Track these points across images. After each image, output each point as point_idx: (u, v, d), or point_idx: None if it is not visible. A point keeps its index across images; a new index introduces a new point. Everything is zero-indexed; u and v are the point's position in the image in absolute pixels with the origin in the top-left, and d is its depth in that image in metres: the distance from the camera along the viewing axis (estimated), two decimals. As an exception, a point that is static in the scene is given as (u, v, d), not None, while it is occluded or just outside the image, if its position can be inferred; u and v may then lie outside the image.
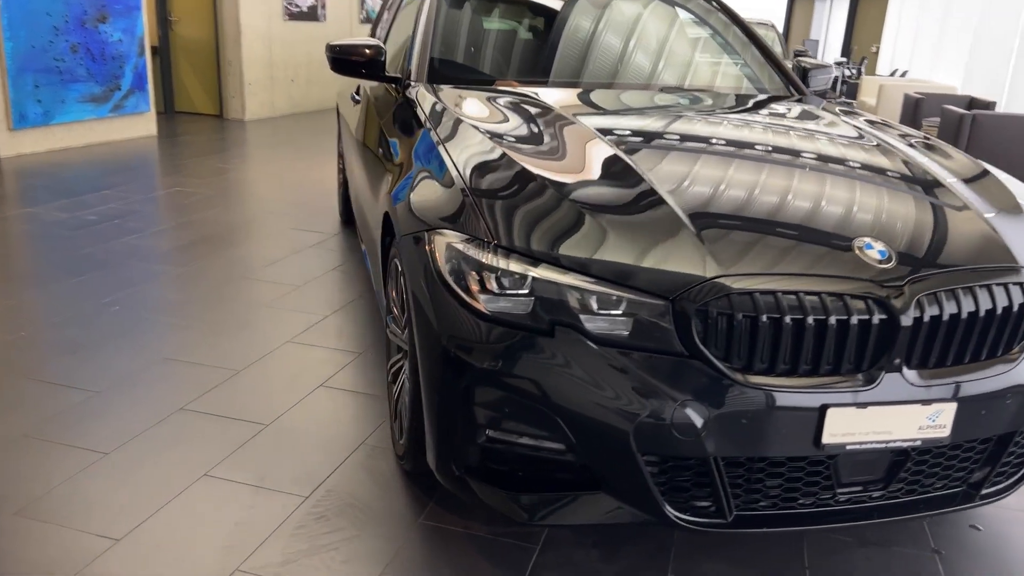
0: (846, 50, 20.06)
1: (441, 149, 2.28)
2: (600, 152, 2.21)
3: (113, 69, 7.58)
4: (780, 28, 23.92)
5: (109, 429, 2.55)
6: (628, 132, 2.41)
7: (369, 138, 3.20)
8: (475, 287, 1.84)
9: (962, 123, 6.79)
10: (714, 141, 2.38)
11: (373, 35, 4.84)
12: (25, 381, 2.84)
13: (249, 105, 9.65)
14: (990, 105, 8.35)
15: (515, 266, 1.80)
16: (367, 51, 2.98)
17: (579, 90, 2.98)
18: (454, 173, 2.11)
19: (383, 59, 3.00)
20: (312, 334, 3.37)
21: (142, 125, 8.07)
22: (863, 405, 1.73)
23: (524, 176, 2.06)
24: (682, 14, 3.58)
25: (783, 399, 1.71)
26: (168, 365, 3.02)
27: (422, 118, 2.58)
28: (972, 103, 8.78)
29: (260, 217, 5.22)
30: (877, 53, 17.86)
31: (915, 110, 8.73)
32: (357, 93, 3.77)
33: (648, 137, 2.39)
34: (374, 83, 3.50)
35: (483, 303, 1.82)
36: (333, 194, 5.91)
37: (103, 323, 3.38)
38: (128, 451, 2.43)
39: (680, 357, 1.72)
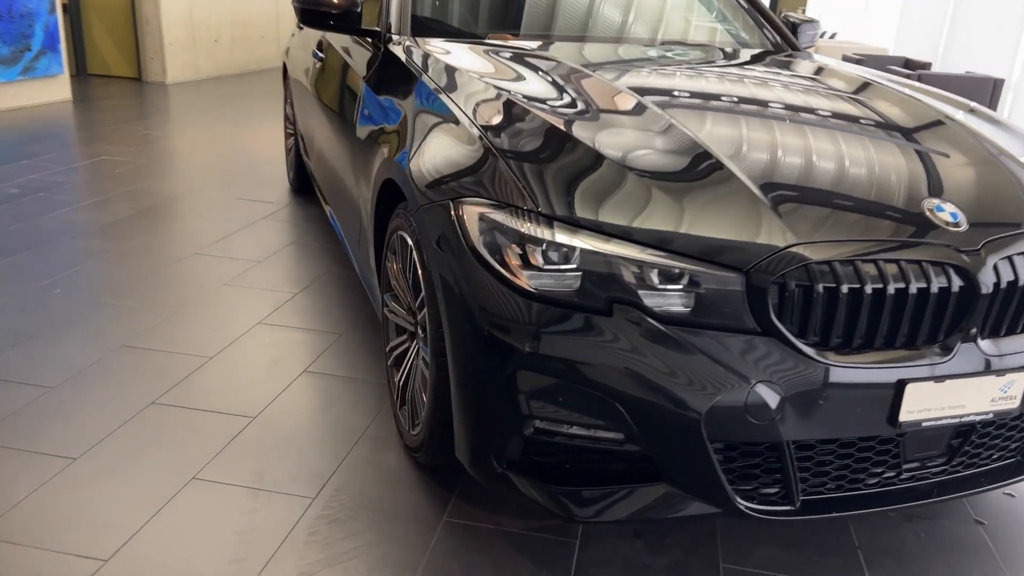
0: (772, 11, 20.28)
1: (452, 107, 2.05)
2: (634, 108, 2.02)
3: (22, 28, 6.92)
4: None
5: (72, 430, 2.26)
6: (654, 89, 2.23)
7: (343, 99, 2.92)
8: (515, 262, 1.64)
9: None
10: (745, 100, 2.22)
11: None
12: (-36, 378, 2.50)
13: (170, 67, 9.03)
14: (926, 66, 8.48)
15: (562, 236, 1.61)
16: (340, 2, 2.69)
17: (581, 45, 2.77)
18: (473, 133, 1.89)
19: (358, 10, 2.72)
20: (283, 314, 3.10)
21: (56, 89, 7.44)
22: (940, 379, 1.62)
23: (558, 135, 1.86)
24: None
25: (861, 376, 1.58)
26: (128, 354, 2.71)
27: (416, 75, 2.33)
28: (908, 63, 8.91)
29: (201, 187, 4.84)
30: (804, 13, 18.11)
31: (854, 70, 8.81)
32: (320, 50, 3.45)
33: (677, 96, 2.21)
34: (343, 38, 3.20)
35: (527, 280, 1.62)
36: (278, 161, 5.54)
37: (46, 309, 3.02)
38: (98, 455, 2.15)
39: (752, 334, 1.56)
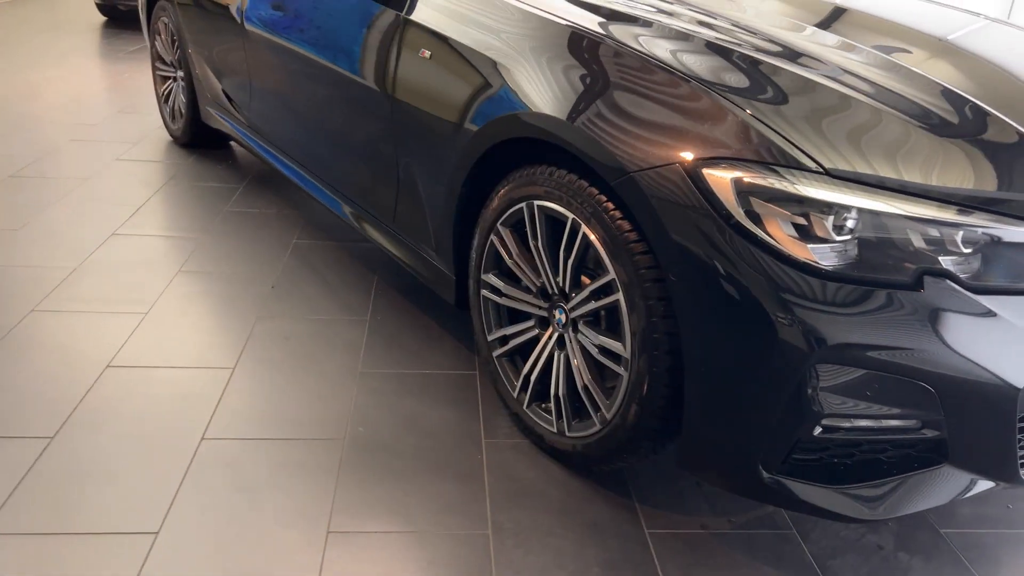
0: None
1: (603, 35, 1.69)
2: (840, 45, 1.79)
3: None
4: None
5: (131, 502, 1.71)
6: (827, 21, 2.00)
7: (347, 39, 2.39)
8: (790, 233, 1.38)
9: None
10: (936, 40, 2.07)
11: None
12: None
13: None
14: None
15: (851, 199, 1.37)
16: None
17: None
18: (667, 69, 1.57)
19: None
20: (277, 303, 2.57)
21: None
22: None
23: (787, 74, 1.60)
24: None
25: None
26: (122, 376, 2.11)
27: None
28: None
29: (60, 147, 3.93)
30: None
31: None
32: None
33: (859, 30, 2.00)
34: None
35: (814, 255, 1.37)
36: (138, 111, 4.64)
37: None
38: (180, 522, 1.65)
39: (1064, 298, 1.44)
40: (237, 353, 2.26)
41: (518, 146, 1.85)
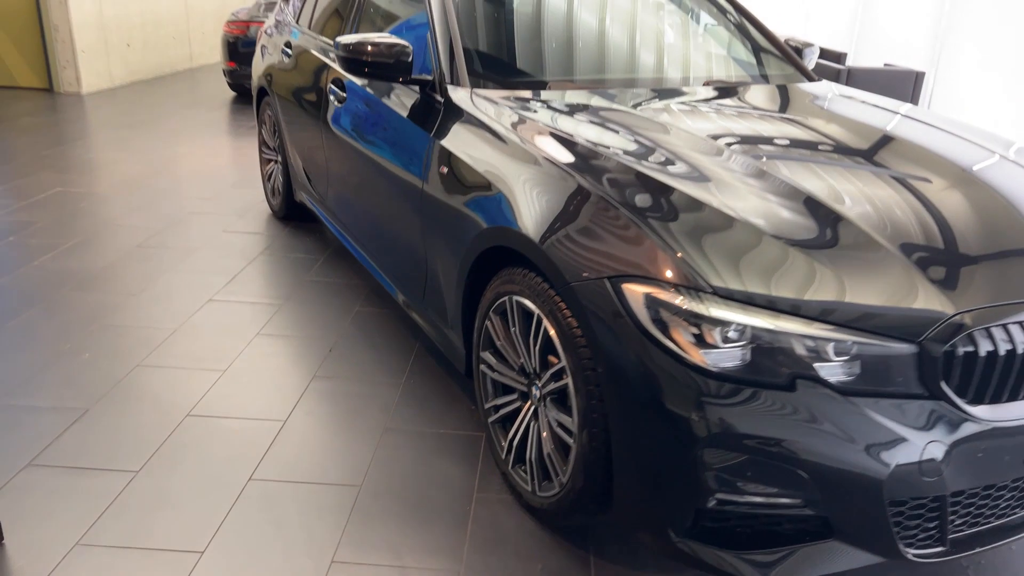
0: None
1: (563, 172, 2.08)
2: (755, 172, 2.10)
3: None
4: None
5: (181, 520, 2.18)
6: (746, 142, 2.31)
7: (392, 148, 2.88)
8: (688, 340, 1.71)
9: (837, 77, 7.24)
10: (836, 149, 2.35)
11: (295, 12, 4.37)
12: (38, 470, 2.36)
13: (85, 76, 8.51)
14: (842, 56, 8.95)
15: (737, 316, 1.69)
16: (396, 50, 2.66)
17: (649, 92, 2.81)
18: (607, 201, 1.93)
19: (409, 60, 2.69)
20: (331, 365, 3.05)
21: (-31, 108, 6.91)
22: (1072, 422, 1.80)
23: (691, 202, 1.92)
24: (689, 2, 3.49)
25: (1013, 426, 1.74)
26: (200, 425, 2.62)
27: (506, 134, 2.34)
28: (822, 53, 9.37)
29: (180, 219, 4.64)
30: None
31: (777, 62, 9.20)
32: (340, 88, 3.37)
33: (771, 147, 2.30)
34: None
35: (704, 358, 1.69)
36: (247, 185, 5.35)
37: (84, 377, 2.87)
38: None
39: (921, 399, 1.69)
40: (291, 407, 2.74)
41: (507, 250, 2.24)
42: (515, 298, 2.16)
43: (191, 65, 10.80)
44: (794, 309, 1.70)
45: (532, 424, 2.22)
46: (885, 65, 7.72)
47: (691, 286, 1.73)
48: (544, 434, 2.15)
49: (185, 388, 2.83)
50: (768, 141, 2.38)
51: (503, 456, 2.35)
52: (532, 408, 2.22)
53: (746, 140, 2.35)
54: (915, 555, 1.79)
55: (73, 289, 3.61)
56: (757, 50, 3.40)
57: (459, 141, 2.50)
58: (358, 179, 3.21)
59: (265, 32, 4.82)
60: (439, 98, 2.69)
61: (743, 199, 1.96)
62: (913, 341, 1.67)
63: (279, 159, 4.48)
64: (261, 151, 4.82)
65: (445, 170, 2.51)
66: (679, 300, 1.72)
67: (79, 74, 8.42)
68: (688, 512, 1.77)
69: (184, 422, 2.63)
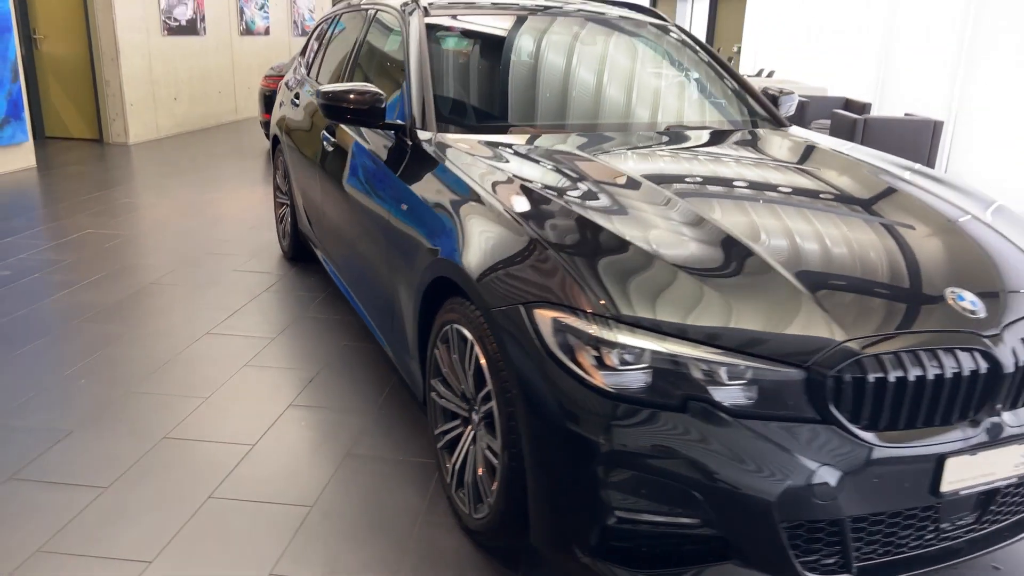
0: (709, 46, 20.97)
1: (500, 209, 2.21)
2: (676, 208, 2.20)
3: (-14, 98, 6.88)
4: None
5: (136, 533, 2.32)
6: (678, 181, 2.41)
7: (368, 190, 3.05)
8: (590, 363, 1.80)
9: (855, 127, 7.28)
10: (755, 186, 2.43)
11: (307, 66, 4.64)
12: (17, 483, 2.53)
13: (132, 128, 9.01)
14: (866, 107, 8.98)
15: (634, 339, 1.77)
16: (368, 97, 2.84)
17: (604, 134, 2.95)
18: (529, 235, 2.05)
19: (383, 106, 2.88)
20: (311, 393, 3.19)
21: (20, 157, 7.38)
22: (974, 451, 1.82)
23: (612, 239, 2.03)
24: (662, 45, 3.63)
25: (908, 454, 1.77)
26: (173, 447, 2.77)
27: (458, 174, 2.48)
28: (847, 104, 9.41)
29: (195, 259, 4.89)
30: (739, 52, 18.78)
31: (801, 112, 9.27)
32: (331, 134, 3.58)
33: (703, 186, 2.40)
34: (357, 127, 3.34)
35: (604, 380, 1.78)
36: (263, 227, 5.61)
37: (77, 400, 3.06)
38: (171, 555, 2.22)
39: (812, 422, 1.74)
40: (262, 432, 2.87)
41: (452, 282, 2.37)
42: (455, 326, 2.28)
43: (236, 117, 11.33)
44: (688, 334, 1.77)
45: (471, 448, 2.31)
46: (905, 115, 7.72)
47: (595, 312, 1.82)
48: (479, 457, 2.24)
49: (167, 413, 3.00)
50: (705, 181, 2.47)
51: (448, 480, 2.44)
52: (472, 433, 2.32)
53: (682, 180, 2.45)
54: (816, 580, 1.82)
55: (83, 321, 3.84)
56: (726, 96, 3.51)
57: (419, 180, 2.65)
58: (344, 219, 3.39)
59: (284, 84, 5.11)
60: (409, 141, 2.86)
61: (656, 232, 2.06)
62: (801, 366, 1.73)
63: (289, 203, 4.71)
64: (275, 195, 5.07)
65: (405, 207, 2.66)
66: (582, 324, 1.82)
67: (127, 126, 8.93)
68: (592, 530, 1.83)
69: (159, 444, 2.78)
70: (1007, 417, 1.87)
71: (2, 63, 7.05)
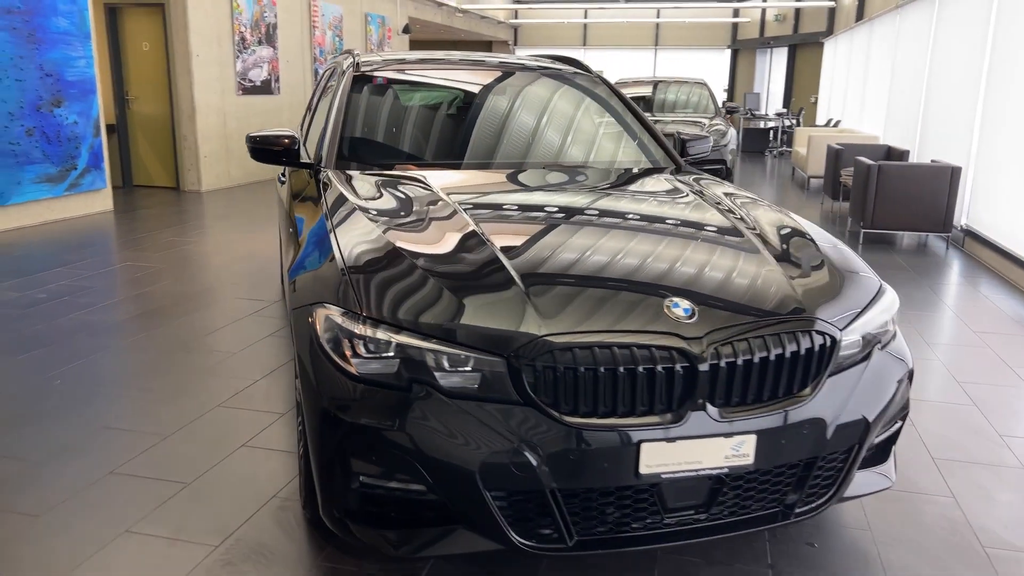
0: (787, 101, 20.91)
1: (331, 230, 2.62)
2: (461, 228, 2.55)
3: (69, 150, 7.91)
4: (725, 82, 24.96)
5: (45, 493, 2.80)
6: (490, 208, 2.76)
7: (287, 217, 3.54)
8: (348, 353, 2.16)
9: (869, 172, 7.31)
10: (566, 213, 2.74)
11: (306, 119, 5.23)
12: None
13: (205, 177, 10.00)
14: (904, 154, 8.92)
15: (380, 334, 2.13)
16: (284, 141, 3.34)
17: (464, 171, 3.34)
18: (337, 254, 2.45)
19: (297, 148, 3.37)
20: (241, 398, 3.65)
21: (98, 201, 8.38)
22: (672, 439, 2.06)
23: (392, 254, 2.39)
24: (572, 93, 3.99)
25: (604, 437, 2.03)
26: (105, 433, 3.28)
27: (322, 201, 2.92)
28: (889, 152, 9.36)
29: (207, 288, 5.51)
30: (816, 103, 18.67)
31: (836, 160, 9.29)
32: (283, 175, 4.12)
33: (506, 212, 2.73)
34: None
35: (355, 366, 2.13)
36: (278, 262, 6.22)
37: (46, 397, 3.63)
38: (59, 513, 2.69)
39: (517, 405, 2.04)
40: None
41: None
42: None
43: (308, 169, 12.27)
44: (421, 329, 2.11)
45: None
46: (932, 161, 7.68)
47: (353, 311, 2.19)
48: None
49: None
50: (522, 208, 2.79)
51: (300, 467, 2.83)
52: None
53: (499, 208, 2.78)
54: (528, 545, 2.09)
55: (86, 336, 4.48)
56: (619, 140, 3.82)
57: (302, 206, 3.11)
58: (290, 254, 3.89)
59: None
60: (312, 177, 3.34)
61: (432, 248, 2.42)
62: (503, 355, 2.04)
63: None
64: (280, 236, 5.67)
65: (291, 230, 3.12)
66: (344, 322, 2.19)
67: (200, 175, 9.93)
68: (343, 492, 2.17)
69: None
70: (712, 412, 2.09)
71: (86, 120, 8.10)
